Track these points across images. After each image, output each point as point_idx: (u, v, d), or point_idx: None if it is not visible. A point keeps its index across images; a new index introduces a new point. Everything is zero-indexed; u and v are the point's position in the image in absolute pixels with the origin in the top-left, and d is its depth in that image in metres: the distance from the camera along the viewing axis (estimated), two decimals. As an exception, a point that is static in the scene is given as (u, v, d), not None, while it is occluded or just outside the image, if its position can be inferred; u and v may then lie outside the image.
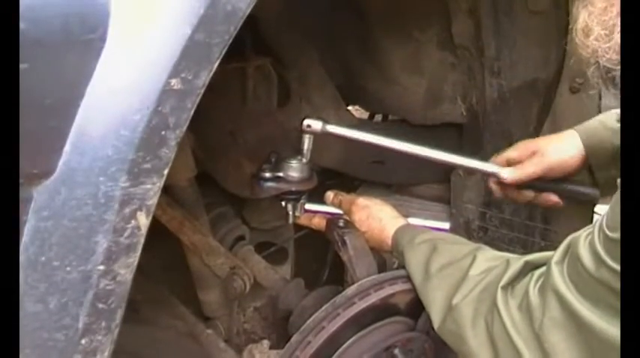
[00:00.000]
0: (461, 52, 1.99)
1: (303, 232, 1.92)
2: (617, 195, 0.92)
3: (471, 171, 1.90)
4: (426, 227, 1.65)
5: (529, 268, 1.12)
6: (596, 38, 0.99)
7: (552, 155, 1.46)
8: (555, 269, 1.00)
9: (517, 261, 1.14)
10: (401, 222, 1.50)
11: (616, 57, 0.98)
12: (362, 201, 1.57)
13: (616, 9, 0.96)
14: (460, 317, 1.15)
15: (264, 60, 1.82)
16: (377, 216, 1.52)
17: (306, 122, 1.61)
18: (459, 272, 1.21)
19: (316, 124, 1.59)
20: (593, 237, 0.94)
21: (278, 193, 1.66)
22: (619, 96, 0.97)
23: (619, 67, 0.98)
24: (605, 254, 0.90)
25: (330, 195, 1.65)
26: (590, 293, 0.93)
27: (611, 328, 0.90)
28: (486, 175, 1.58)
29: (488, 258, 1.21)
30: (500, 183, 1.53)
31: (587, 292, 0.94)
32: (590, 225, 0.98)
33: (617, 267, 0.88)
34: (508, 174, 1.49)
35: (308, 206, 1.68)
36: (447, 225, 1.76)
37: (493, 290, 1.10)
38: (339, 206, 1.62)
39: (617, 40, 0.96)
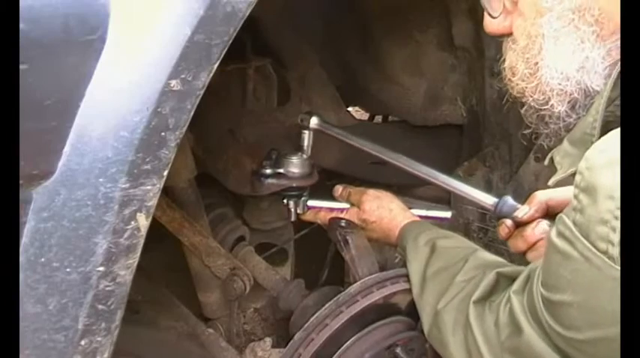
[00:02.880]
0: (461, 53, 1.99)
1: (303, 233, 1.92)
2: (545, 257, 0.90)
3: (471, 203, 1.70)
4: (428, 217, 1.63)
5: (503, 280, 1.11)
6: (521, 78, 0.98)
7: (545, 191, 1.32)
8: (515, 301, 0.99)
9: (489, 274, 1.13)
10: (410, 216, 1.50)
11: (542, 97, 0.96)
12: (373, 191, 1.57)
13: (537, 46, 0.95)
14: (442, 323, 1.16)
15: (264, 61, 1.82)
16: (388, 207, 1.51)
17: (301, 117, 1.61)
18: (449, 277, 1.21)
19: (307, 120, 1.59)
20: (538, 291, 0.92)
21: (279, 190, 1.66)
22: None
23: (546, 107, 0.96)
24: (550, 318, 0.89)
25: (338, 188, 1.64)
26: (544, 328, 0.93)
27: None
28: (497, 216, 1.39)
29: (475, 265, 1.20)
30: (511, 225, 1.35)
31: (542, 326, 0.93)
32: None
33: (562, 331, 0.87)
34: (522, 212, 1.30)
35: (310, 203, 1.68)
36: (448, 214, 1.75)
37: (467, 303, 1.11)
38: (348, 198, 1.60)
39: (542, 79, 0.95)
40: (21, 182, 0.78)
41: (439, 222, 1.67)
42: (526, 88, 0.98)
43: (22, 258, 0.80)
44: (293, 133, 1.82)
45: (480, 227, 2.06)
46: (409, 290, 1.35)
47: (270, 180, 1.62)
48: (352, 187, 1.63)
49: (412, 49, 1.99)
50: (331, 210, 1.62)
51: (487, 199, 1.43)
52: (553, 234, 0.87)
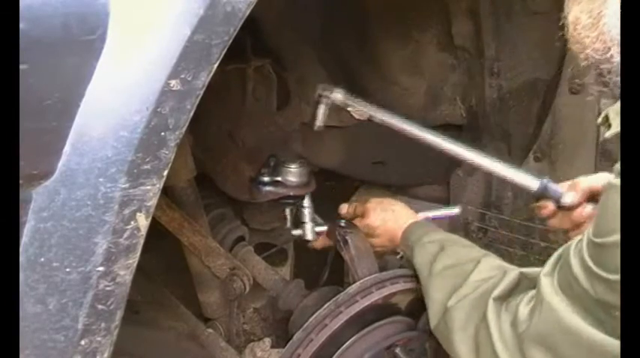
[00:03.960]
0: (461, 53, 1.99)
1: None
2: (603, 202, 0.92)
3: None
4: (435, 218, 1.63)
5: (524, 281, 1.11)
6: (584, 27, 0.98)
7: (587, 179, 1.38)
8: (545, 281, 1.00)
9: (512, 272, 1.13)
10: (414, 216, 1.50)
11: (602, 46, 0.96)
12: (375, 199, 1.58)
13: None
14: (451, 321, 1.16)
15: (264, 61, 1.82)
16: (390, 209, 1.52)
17: (322, 86, 1.58)
18: (460, 275, 1.21)
19: (328, 93, 1.56)
20: (582, 246, 0.93)
21: (277, 198, 1.67)
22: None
23: (605, 57, 0.96)
24: (590, 260, 0.90)
25: (344, 206, 1.63)
26: (581, 301, 0.93)
27: (599, 334, 0.90)
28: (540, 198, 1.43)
29: (491, 266, 1.21)
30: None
31: (578, 300, 0.94)
32: (581, 235, 0.97)
33: (603, 274, 0.87)
34: (570, 198, 1.36)
35: (318, 229, 1.67)
36: (456, 210, 1.73)
37: (486, 300, 1.11)
38: (354, 213, 1.60)
39: (604, 28, 0.95)
40: (21, 182, 0.78)
41: (447, 219, 1.66)
42: (587, 37, 0.98)
43: (22, 258, 0.80)
44: (292, 138, 1.83)
45: (480, 227, 2.06)
46: (409, 291, 1.35)
47: (267, 188, 1.63)
48: (356, 203, 1.62)
49: (411, 48, 1.99)
50: None
51: (529, 182, 1.44)
52: (613, 177, 0.89)
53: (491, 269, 1.19)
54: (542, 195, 1.41)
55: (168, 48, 0.81)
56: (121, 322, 0.86)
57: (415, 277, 1.40)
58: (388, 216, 1.51)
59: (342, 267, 1.86)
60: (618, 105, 0.97)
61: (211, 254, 1.58)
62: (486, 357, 1.06)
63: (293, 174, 1.63)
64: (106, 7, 0.79)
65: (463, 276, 1.20)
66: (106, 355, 0.86)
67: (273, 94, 1.88)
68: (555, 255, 1.04)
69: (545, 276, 1.01)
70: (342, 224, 1.51)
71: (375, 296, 1.33)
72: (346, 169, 2.07)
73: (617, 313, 0.87)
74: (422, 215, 1.55)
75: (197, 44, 0.82)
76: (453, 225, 2.05)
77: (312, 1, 1.90)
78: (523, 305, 1.03)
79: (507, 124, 1.99)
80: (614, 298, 0.87)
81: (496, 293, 1.10)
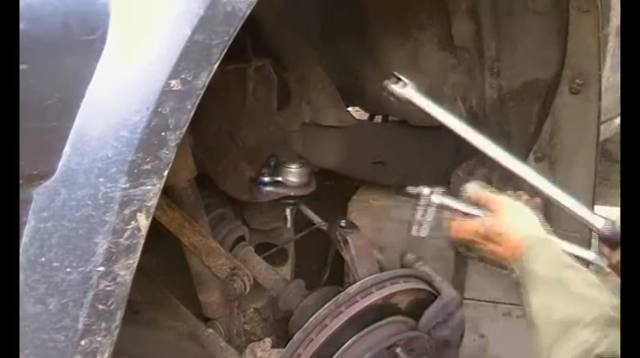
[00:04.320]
0: (461, 53, 1.99)
1: (303, 233, 1.92)
2: None
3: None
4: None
5: None
6: None
7: None
8: None
9: (615, 334, 1.02)
10: (538, 232, 1.29)
11: None
12: (515, 203, 1.34)
13: None
14: None
15: (265, 61, 1.82)
16: (520, 216, 1.31)
17: (385, 83, 1.43)
18: (574, 324, 1.08)
19: (395, 88, 1.42)
20: None
21: (277, 198, 1.67)
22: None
23: None
24: None
25: (472, 187, 1.41)
26: None
27: None
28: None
29: (606, 318, 1.07)
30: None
31: None
32: None
33: None
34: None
35: (439, 199, 1.41)
36: (592, 256, 1.43)
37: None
38: (482, 203, 1.36)
39: None
40: (21, 182, 0.78)
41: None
42: None
43: (22, 258, 0.80)
44: (292, 138, 1.82)
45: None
46: (409, 291, 1.35)
47: (268, 188, 1.63)
48: (489, 192, 1.38)
49: (411, 47, 1.99)
50: (464, 214, 1.37)
51: (595, 220, 1.36)
52: None
53: (606, 323, 1.06)
54: (606, 237, 1.33)
55: (168, 48, 0.81)
56: (121, 322, 0.86)
57: (415, 277, 1.40)
58: (514, 224, 1.28)
59: (342, 267, 1.86)
60: None
61: (212, 254, 1.58)
62: None
63: (293, 174, 1.64)
64: (106, 7, 0.79)
65: (575, 327, 1.08)
66: (106, 355, 0.86)
67: (274, 94, 1.88)
68: None
69: None
70: (342, 224, 1.51)
71: (376, 297, 1.33)
72: (346, 169, 2.07)
73: None
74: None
75: (197, 44, 0.82)
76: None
77: (312, 1, 1.90)
78: None
79: (507, 124, 1.99)
80: None
81: (599, 351, 1.01)
